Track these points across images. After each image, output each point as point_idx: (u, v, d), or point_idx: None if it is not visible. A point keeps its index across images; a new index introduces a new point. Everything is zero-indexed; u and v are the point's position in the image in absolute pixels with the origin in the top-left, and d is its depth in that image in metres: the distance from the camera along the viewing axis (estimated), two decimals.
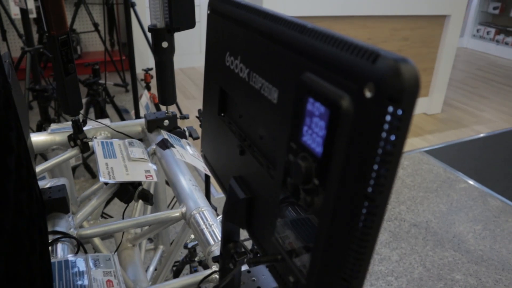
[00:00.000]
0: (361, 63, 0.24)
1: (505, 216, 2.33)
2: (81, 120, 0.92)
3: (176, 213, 0.76)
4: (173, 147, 0.94)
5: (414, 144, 3.15)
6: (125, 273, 0.86)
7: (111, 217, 1.55)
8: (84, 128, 0.98)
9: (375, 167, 0.24)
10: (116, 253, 0.97)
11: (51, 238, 0.64)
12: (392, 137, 0.23)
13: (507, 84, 4.69)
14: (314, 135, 0.28)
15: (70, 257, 0.61)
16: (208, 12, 0.49)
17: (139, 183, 0.86)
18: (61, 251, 0.63)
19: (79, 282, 0.55)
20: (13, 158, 0.34)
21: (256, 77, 0.37)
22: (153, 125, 1.02)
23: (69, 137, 0.93)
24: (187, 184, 0.81)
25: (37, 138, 0.96)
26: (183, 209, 0.75)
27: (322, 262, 0.29)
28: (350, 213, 0.26)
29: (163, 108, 1.03)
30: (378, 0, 2.93)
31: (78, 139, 0.92)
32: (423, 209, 2.38)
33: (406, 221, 2.28)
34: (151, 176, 0.82)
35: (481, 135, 3.34)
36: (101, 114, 2.32)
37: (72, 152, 0.93)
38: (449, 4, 3.20)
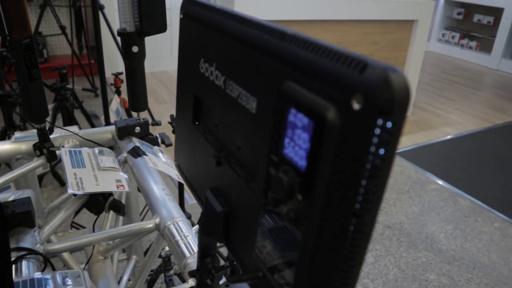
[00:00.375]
0: (348, 72, 0.22)
1: (474, 215, 2.39)
2: (47, 128, 0.87)
3: (149, 224, 0.73)
4: (145, 154, 0.91)
5: None
6: (96, 287, 0.82)
7: (82, 227, 1.49)
8: (51, 136, 0.93)
9: (363, 182, 0.23)
10: (86, 266, 0.93)
11: (15, 255, 0.60)
12: (381, 151, 0.22)
13: (471, 87, 4.85)
14: (296, 147, 0.27)
15: (37, 275, 0.57)
16: (181, 16, 0.47)
17: (110, 193, 0.83)
18: (26, 269, 0.59)
19: None
20: None
21: (233, 85, 0.36)
22: (123, 132, 0.98)
23: (35, 145, 0.89)
24: (160, 193, 0.78)
25: (0, 147, 0.91)
26: (157, 220, 0.72)
27: (307, 280, 0.28)
28: (337, 230, 0.25)
29: (134, 114, 1.00)
30: (349, 4, 2.97)
31: (44, 147, 0.87)
32: (396, 210, 2.42)
33: (380, 223, 2.31)
34: (122, 186, 0.78)
35: (449, 136, 3.43)
36: (69, 120, 2.25)
37: (38, 161, 0.88)
38: (417, 9, 3.28)
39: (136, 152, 0.91)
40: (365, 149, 0.22)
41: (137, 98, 0.95)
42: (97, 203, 0.80)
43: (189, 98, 0.47)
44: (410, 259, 2.04)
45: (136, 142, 0.96)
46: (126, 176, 0.81)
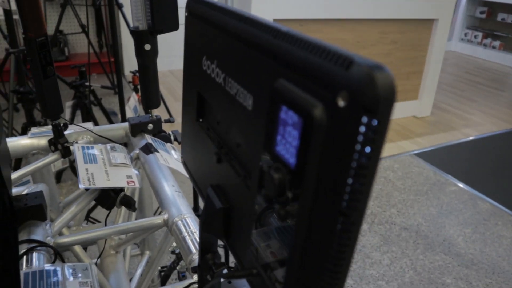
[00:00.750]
0: (334, 69, 0.22)
1: (494, 219, 2.34)
2: (61, 124, 0.89)
3: (158, 220, 0.74)
4: (157, 151, 0.92)
5: (404, 147, 3.16)
6: (107, 281, 0.83)
7: (98, 221, 1.52)
8: (66, 132, 0.95)
9: (350, 181, 0.22)
10: (99, 260, 0.95)
11: (26, 247, 0.62)
12: (367, 150, 0.22)
13: (494, 87, 4.73)
14: (287, 145, 0.27)
15: (46, 266, 0.59)
16: (186, 14, 0.47)
17: (121, 189, 0.84)
18: (36, 261, 0.61)
19: None
20: None
21: (232, 83, 0.36)
22: (136, 129, 0.99)
23: (50, 141, 0.91)
24: (170, 190, 0.79)
25: (17, 142, 0.94)
26: (165, 216, 0.73)
27: (297, 280, 0.28)
28: (325, 229, 0.24)
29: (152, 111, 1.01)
30: (367, 3, 2.94)
31: (58, 143, 0.90)
32: (413, 212, 2.38)
33: (397, 225, 2.28)
34: (133, 181, 0.79)
35: (470, 138, 3.36)
36: (88, 116, 2.29)
37: (52, 157, 0.90)
38: (437, 8, 3.22)
39: (148, 149, 0.92)
40: (351, 147, 0.22)
41: (150, 96, 0.96)
42: (108, 198, 0.82)
43: (193, 95, 0.48)
44: (427, 262, 2.00)
45: (149, 139, 0.97)
46: (137, 172, 0.82)
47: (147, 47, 0.87)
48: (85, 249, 1.24)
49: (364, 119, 0.21)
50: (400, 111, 3.60)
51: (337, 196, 0.23)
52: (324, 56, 0.23)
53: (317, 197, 0.24)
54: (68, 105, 2.18)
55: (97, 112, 2.61)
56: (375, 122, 0.21)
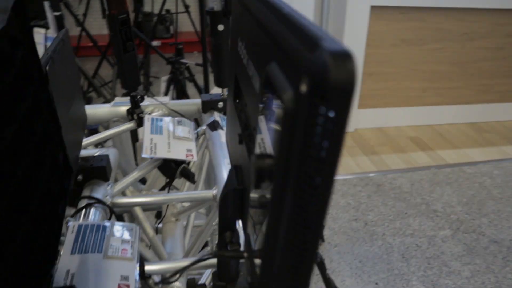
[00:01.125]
0: (303, 51, 0.21)
1: None
2: (138, 96, 0.96)
3: (208, 194, 0.77)
4: (222, 129, 0.94)
5: (509, 152, 2.84)
6: (162, 246, 0.89)
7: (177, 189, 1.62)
8: (145, 104, 1.03)
9: (310, 174, 0.21)
10: (160, 225, 1.02)
11: (86, 202, 0.69)
12: (325, 143, 0.20)
13: None
14: (270, 131, 0.26)
15: (98, 222, 0.65)
16: None
17: (182, 161, 0.89)
18: (92, 216, 0.68)
19: (97, 246, 0.59)
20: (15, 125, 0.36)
21: (250, 65, 0.35)
22: (207, 106, 1.03)
23: (128, 110, 0.99)
24: (225, 167, 0.81)
25: (102, 109, 1.04)
26: (215, 192, 0.76)
27: (268, 270, 0.27)
28: (289, 224, 0.23)
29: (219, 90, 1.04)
30: None
31: (135, 113, 0.97)
32: (508, 225, 2.15)
33: (486, 236, 2.08)
34: (191, 155, 0.83)
35: None
36: (181, 91, 2.43)
37: (128, 125, 0.98)
38: None
39: (213, 126, 0.96)
40: (310, 139, 0.20)
41: (222, 74, 0.99)
42: (170, 168, 0.87)
43: (232, 76, 0.48)
44: None
45: (217, 116, 1.00)
46: (196, 146, 0.85)
47: (221, 27, 0.89)
48: (159, 213, 1.33)
49: (322, 110, 0.19)
50: (509, 112, 3.22)
51: (299, 190, 0.22)
52: (299, 36, 0.22)
53: (284, 190, 0.23)
54: (163, 80, 2.33)
55: (191, 88, 2.75)
56: (332, 114, 0.19)
